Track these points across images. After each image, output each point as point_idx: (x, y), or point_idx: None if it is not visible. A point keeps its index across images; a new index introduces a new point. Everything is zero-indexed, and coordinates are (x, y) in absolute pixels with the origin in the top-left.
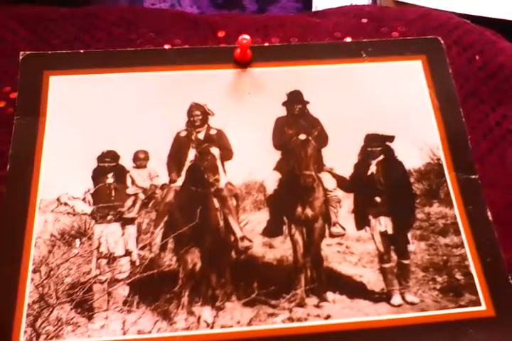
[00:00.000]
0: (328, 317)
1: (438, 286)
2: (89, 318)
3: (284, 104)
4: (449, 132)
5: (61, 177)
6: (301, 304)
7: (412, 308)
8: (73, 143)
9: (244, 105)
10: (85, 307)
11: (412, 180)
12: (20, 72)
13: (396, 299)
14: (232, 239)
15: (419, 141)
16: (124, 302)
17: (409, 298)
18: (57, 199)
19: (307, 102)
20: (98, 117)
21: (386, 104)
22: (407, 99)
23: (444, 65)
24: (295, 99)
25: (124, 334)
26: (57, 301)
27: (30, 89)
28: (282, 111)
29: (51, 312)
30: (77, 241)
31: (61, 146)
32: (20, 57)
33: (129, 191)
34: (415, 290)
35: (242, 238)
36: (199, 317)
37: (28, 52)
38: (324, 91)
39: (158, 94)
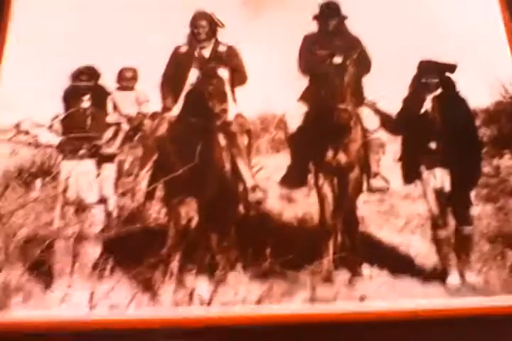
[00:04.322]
0: (362, 298)
1: (509, 263)
2: (47, 285)
3: (315, 17)
4: None
5: (23, 97)
6: (328, 278)
7: (474, 292)
8: (41, 55)
9: (263, 16)
10: (42, 270)
11: (477, 122)
12: None
13: (453, 278)
14: (241, 188)
15: (488, 74)
16: (94, 266)
17: (471, 277)
18: (16, 126)
19: (345, 17)
20: (75, 23)
21: (448, 24)
22: (475, 19)
23: None
24: (330, 12)
25: (91, 309)
26: (5, 259)
27: None
28: (313, 27)
29: None
30: (38, 181)
31: (25, 58)
32: None
33: (109, 119)
34: (478, 268)
35: (254, 187)
36: (192, 291)
37: None
38: (368, 3)
39: None
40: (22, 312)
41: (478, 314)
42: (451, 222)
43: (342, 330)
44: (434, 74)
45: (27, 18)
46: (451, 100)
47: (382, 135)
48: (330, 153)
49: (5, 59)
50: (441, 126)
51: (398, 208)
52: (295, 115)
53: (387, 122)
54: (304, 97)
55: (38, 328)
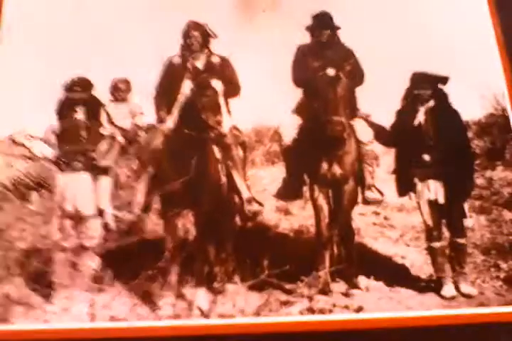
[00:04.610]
0: (359, 309)
1: (502, 275)
2: (47, 297)
3: (308, 28)
4: None
5: (16, 109)
6: (325, 290)
7: (469, 302)
8: (34, 66)
9: (256, 27)
10: (42, 283)
11: (470, 134)
12: None
13: (448, 289)
14: (237, 200)
15: (480, 85)
16: (93, 278)
17: (465, 288)
18: (11, 138)
19: (338, 28)
20: (68, 32)
21: (438, 36)
22: (465, 30)
23: None
24: (323, 23)
25: (92, 320)
26: (5, 273)
27: None
28: (306, 38)
29: None
30: (35, 194)
31: (17, 69)
32: None
33: (103, 131)
34: (473, 279)
35: (250, 200)
36: (191, 303)
37: None
38: (360, 15)
39: (146, 7)
40: (22, 324)
41: (472, 323)
42: (446, 233)
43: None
44: (426, 86)
45: (19, 31)
46: (444, 112)
47: (376, 147)
48: (325, 165)
49: None
50: (434, 139)
51: (393, 220)
52: (290, 127)
53: (381, 134)
54: (298, 109)
55: (40, 337)
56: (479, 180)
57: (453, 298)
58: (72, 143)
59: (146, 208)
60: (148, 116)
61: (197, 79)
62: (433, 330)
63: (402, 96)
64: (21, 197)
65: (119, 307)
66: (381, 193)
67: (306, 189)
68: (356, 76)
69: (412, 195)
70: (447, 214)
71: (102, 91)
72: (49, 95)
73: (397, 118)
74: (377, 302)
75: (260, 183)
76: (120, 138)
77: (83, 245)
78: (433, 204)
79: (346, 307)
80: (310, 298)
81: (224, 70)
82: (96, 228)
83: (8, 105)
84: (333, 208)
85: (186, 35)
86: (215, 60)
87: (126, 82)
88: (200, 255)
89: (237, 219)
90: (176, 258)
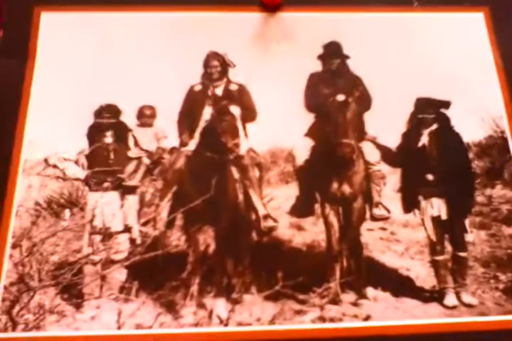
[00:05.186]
0: (367, 318)
1: (501, 286)
2: (78, 307)
3: (319, 57)
4: None
5: (50, 133)
6: (336, 301)
7: (470, 311)
8: (66, 94)
9: (271, 56)
10: (73, 293)
11: (471, 155)
12: (7, 7)
13: (450, 299)
14: (254, 217)
15: (480, 109)
16: (121, 289)
17: (466, 298)
18: (45, 160)
19: (347, 57)
20: (97, 64)
21: (441, 64)
22: (466, 58)
23: (510, 19)
24: (333, 52)
25: (119, 328)
26: (39, 284)
27: (17, 27)
28: (317, 66)
29: (32, 297)
30: (67, 211)
31: (51, 97)
32: None
33: (131, 154)
34: (473, 290)
35: (266, 216)
36: (211, 312)
37: None
38: (368, 45)
39: (169, 40)
40: (55, 331)
41: (473, 330)
42: (448, 248)
43: None
44: (429, 111)
45: (52, 62)
46: (446, 135)
47: (383, 167)
48: (335, 185)
49: (31, 98)
50: (437, 159)
51: (399, 235)
52: (302, 149)
53: (388, 155)
54: (310, 133)
55: None
56: (479, 198)
57: (455, 307)
58: (102, 165)
59: (170, 224)
60: (172, 139)
61: (217, 105)
62: (436, 337)
63: (406, 119)
64: (55, 214)
65: (144, 316)
66: (388, 210)
67: (317, 206)
68: (364, 101)
69: (417, 211)
70: (449, 230)
71: (129, 117)
72: (80, 121)
73: (402, 141)
74: (384, 312)
75: (275, 201)
76: (146, 160)
77: (111, 259)
78: (436, 220)
79: (355, 316)
80: (321, 308)
81: (241, 97)
82: (123, 243)
83: (43, 130)
84: (343, 224)
85: (207, 64)
86: (233, 87)
87: (152, 109)
88: (219, 268)
89: (254, 235)
90: (197, 270)
